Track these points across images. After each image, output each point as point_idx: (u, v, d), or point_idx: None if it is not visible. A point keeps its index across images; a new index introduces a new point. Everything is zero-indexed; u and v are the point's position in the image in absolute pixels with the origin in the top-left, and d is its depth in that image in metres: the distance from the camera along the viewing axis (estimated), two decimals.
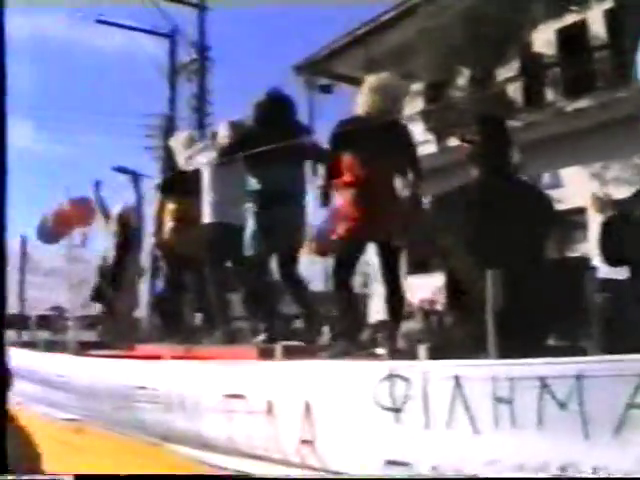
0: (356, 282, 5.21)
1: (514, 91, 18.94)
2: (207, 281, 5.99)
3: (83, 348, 6.96)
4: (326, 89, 21.11)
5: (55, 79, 61.34)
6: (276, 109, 5.51)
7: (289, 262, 5.43)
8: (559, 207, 3.82)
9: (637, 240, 3.11)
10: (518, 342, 3.03)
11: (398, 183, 4.62)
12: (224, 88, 22.26)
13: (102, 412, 5.31)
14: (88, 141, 63.96)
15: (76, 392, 5.75)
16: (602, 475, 2.47)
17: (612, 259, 3.48)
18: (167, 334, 6.55)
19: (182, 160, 6.74)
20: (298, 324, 5.83)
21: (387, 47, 19.75)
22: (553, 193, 6.12)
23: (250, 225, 5.38)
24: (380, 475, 3.15)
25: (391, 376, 3.14)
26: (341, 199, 4.76)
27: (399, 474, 3.05)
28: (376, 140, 4.60)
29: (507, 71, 18.81)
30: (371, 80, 5.02)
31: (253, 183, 5.41)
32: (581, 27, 17.97)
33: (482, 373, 2.83)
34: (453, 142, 16.90)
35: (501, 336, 3.10)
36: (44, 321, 8.37)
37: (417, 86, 19.33)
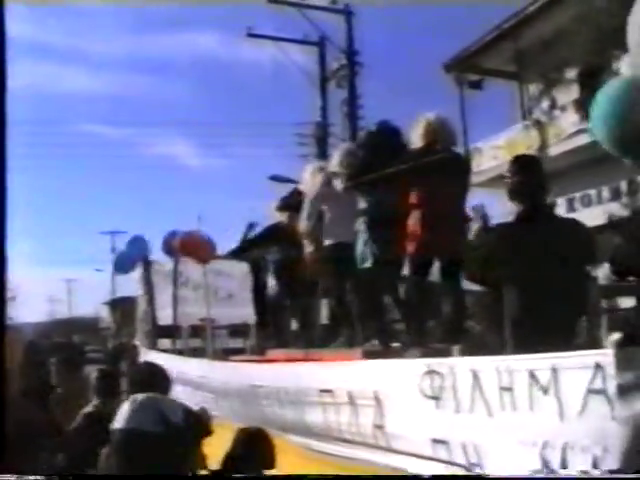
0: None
1: None
2: (332, 293, 6.98)
3: (226, 354, 8.25)
4: (476, 85, 21.69)
5: (211, 94, 64.95)
6: (384, 139, 6.42)
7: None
8: None
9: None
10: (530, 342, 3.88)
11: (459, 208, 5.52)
12: (375, 92, 23.31)
13: (232, 408, 6.51)
14: (244, 153, 67.06)
15: (214, 391, 7.00)
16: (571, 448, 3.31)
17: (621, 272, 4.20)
18: (294, 340, 7.66)
19: (308, 189, 7.54)
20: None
21: (536, 38, 20.01)
22: None
23: (362, 241, 6.31)
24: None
25: (429, 371, 4.10)
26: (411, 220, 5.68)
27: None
28: (441, 170, 5.52)
29: None
30: (430, 117, 5.90)
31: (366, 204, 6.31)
32: None
33: (489, 366, 3.73)
34: None
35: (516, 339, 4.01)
36: (195, 331, 9.77)
37: (570, 74, 19.56)
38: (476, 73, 21.96)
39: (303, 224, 7.14)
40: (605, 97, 3.35)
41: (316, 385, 5.33)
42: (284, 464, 5.54)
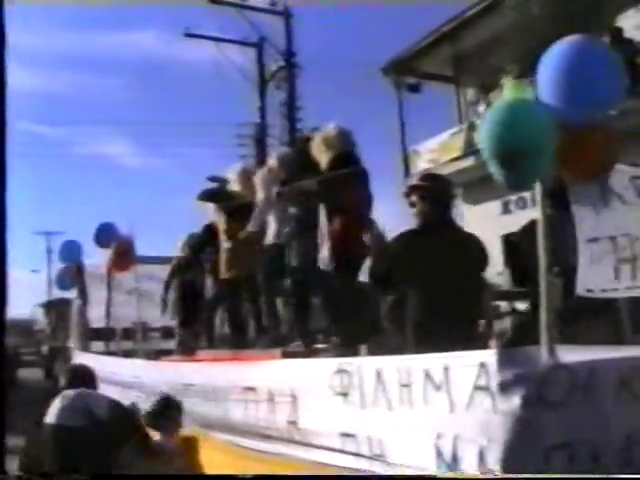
0: None
1: None
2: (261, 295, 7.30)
3: (158, 355, 8.57)
4: (414, 88, 22.18)
5: (150, 94, 64.78)
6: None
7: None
8: None
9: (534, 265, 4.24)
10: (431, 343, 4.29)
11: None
12: (314, 93, 23.81)
13: None
14: (182, 153, 66.83)
15: (146, 391, 7.31)
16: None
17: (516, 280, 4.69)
18: (222, 341, 8.01)
19: (239, 188, 7.84)
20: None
21: (474, 43, 20.57)
22: None
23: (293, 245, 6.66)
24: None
25: (339, 370, 4.50)
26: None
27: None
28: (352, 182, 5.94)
29: None
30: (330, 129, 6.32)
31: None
32: None
33: (391, 365, 4.15)
34: None
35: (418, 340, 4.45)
36: (127, 333, 10.03)
37: (506, 79, 20.16)
38: (414, 76, 22.42)
39: (250, 227, 7.39)
40: (487, 118, 3.74)
41: (240, 383, 5.70)
42: (210, 460, 5.93)
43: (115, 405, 5.64)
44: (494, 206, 18.87)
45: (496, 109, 3.73)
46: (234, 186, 7.96)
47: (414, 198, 4.87)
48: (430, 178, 5.19)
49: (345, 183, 5.93)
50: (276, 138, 23.13)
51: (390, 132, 21.76)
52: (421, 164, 20.69)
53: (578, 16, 17.82)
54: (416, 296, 4.58)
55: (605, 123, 3.73)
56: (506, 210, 19.72)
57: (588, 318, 4.42)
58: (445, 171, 17.14)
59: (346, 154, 6.23)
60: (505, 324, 5.63)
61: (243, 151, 24.26)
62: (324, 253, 5.93)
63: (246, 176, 7.82)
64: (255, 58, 23.84)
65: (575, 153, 3.55)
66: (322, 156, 6.27)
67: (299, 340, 6.51)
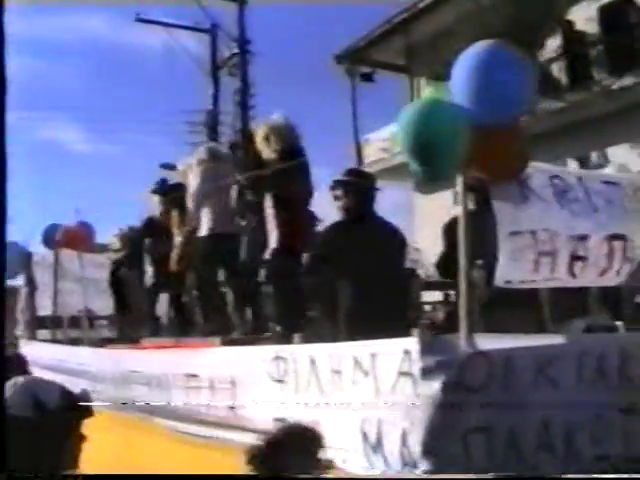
0: None
1: (558, 71, 19.81)
2: (203, 284, 7.48)
3: (104, 343, 8.71)
4: (367, 77, 22.44)
5: (102, 80, 64.09)
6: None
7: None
8: None
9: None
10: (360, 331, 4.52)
11: None
12: (267, 81, 23.91)
13: (108, 395, 6.98)
14: (135, 140, 66.24)
15: (91, 378, 7.46)
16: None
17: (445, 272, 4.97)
18: (166, 330, 8.20)
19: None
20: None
21: (427, 33, 20.88)
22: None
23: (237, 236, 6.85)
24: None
25: (276, 357, 4.72)
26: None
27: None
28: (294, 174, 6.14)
29: (550, 52, 19.73)
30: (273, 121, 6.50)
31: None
32: (623, 2, 18.67)
33: (323, 352, 4.37)
34: None
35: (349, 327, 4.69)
36: (74, 321, 10.10)
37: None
38: (367, 65, 22.69)
39: (189, 215, 7.57)
40: (402, 115, 4.00)
41: (182, 370, 5.89)
42: (153, 446, 6.10)
43: (66, 393, 5.67)
44: (445, 196, 19.17)
45: (410, 107, 4.00)
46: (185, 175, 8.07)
47: (338, 192, 5.15)
48: (353, 173, 5.44)
49: (293, 175, 6.11)
50: (229, 125, 23.23)
51: (343, 121, 22.02)
52: (373, 153, 20.97)
53: (528, 8, 18.21)
54: (343, 286, 4.85)
55: (517, 125, 3.98)
56: (457, 200, 20.01)
57: (511, 308, 4.67)
58: (396, 160, 17.43)
59: (294, 146, 6.41)
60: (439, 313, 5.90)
61: (195, 138, 24.24)
62: (271, 244, 6.12)
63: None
64: (208, 45, 23.88)
65: (488, 154, 3.80)
66: (267, 147, 6.41)
67: (240, 329, 6.72)
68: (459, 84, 3.84)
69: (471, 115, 3.78)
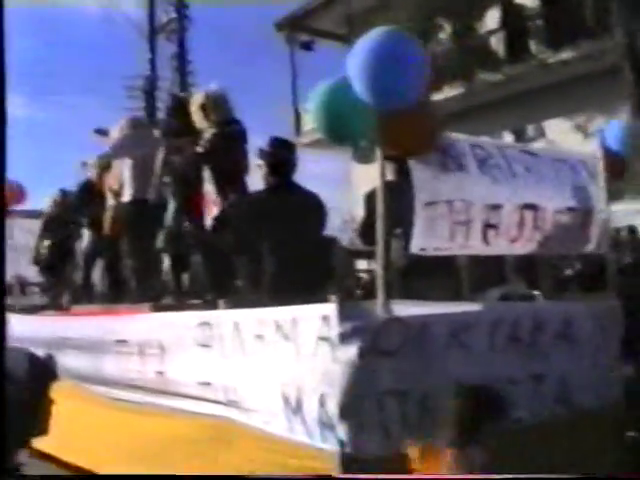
0: None
1: (496, 44, 20.00)
2: (131, 250, 7.52)
3: (35, 310, 8.71)
4: (307, 46, 22.45)
5: (38, 44, 62.72)
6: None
7: None
8: None
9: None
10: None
11: None
12: (205, 47, 23.73)
13: None
14: (70, 104, 64.86)
15: (23, 345, 7.48)
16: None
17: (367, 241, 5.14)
18: (98, 296, 8.27)
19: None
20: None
21: (367, 2, 20.90)
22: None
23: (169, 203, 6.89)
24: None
25: (202, 323, 4.85)
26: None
27: None
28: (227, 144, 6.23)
29: (488, 24, 19.95)
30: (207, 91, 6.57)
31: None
32: None
33: (247, 318, 4.51)
34: (436, 96, 17.48)
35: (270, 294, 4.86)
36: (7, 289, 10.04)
37: None
38: (307, 33, 22.68)
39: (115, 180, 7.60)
40: (311, 96, 4.20)
41: (113, 336, 5.99)
42: (84, 412, 6.18)
43: (34, 359, 5.51)
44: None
45: (317, 89, 4.17)
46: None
47: (261, 161, 5.30)
48: (275, 143, 5.55)
49: (231, 146, 6.19)
50: (166, 91, 23.02)
51: (281, 90, 22.03)
52: (311, 122, 20.99)
53: None
54: (264, 254, 5.00)
55: (422, 106, 4.13)
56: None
57: (430, 277, 4.86)
58: None
59: (231, 117, 6.46)
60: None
61: (132, 103, 24.05)
62: (210, 213, 6.19)
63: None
64: (146, 8, 23.59)
65: (394, 134, 4.00)
66: (203, 117, 6.42)
67: (172, 295, 6.82)
68: (353, 73, 3.96)
69: (367, 100, 3.94)
